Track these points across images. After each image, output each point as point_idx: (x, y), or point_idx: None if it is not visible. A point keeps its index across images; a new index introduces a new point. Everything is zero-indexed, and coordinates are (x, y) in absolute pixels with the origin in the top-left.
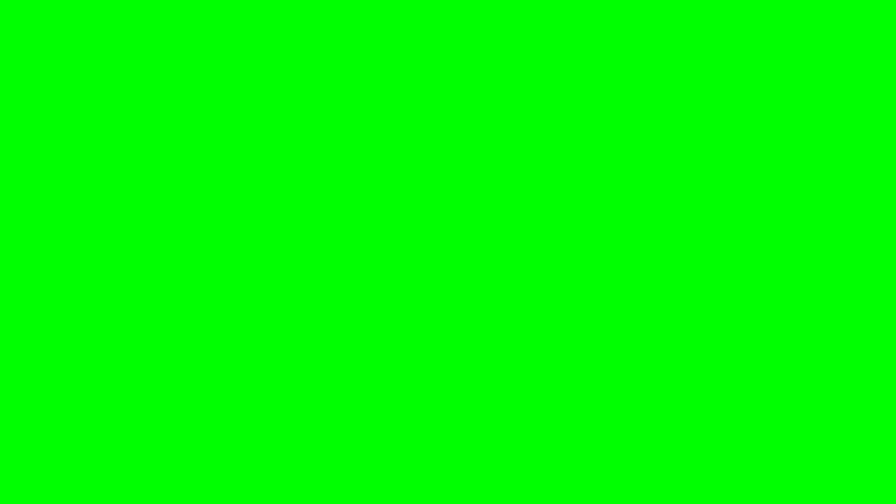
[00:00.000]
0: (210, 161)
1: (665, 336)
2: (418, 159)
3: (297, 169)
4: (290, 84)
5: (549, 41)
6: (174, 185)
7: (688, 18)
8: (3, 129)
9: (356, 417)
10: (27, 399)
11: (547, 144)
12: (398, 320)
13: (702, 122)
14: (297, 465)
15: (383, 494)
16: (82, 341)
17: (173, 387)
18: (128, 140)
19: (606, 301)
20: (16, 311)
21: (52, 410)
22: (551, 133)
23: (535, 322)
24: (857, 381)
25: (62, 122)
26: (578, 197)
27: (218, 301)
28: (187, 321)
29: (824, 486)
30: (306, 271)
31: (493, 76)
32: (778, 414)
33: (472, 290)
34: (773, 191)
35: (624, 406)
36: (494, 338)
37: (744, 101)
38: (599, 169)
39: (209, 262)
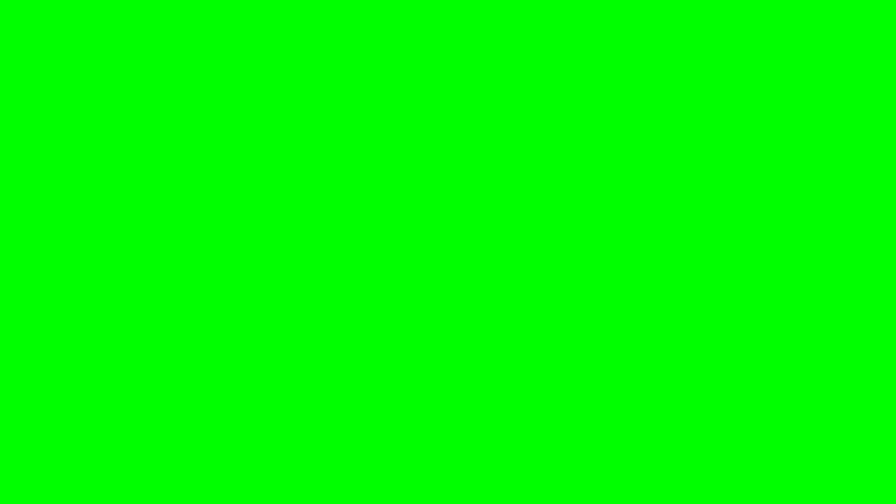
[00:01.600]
0: (210, 161)
1: (665, 336)
2: (418, 159)
3: (297, 169)
4: (291, 84)
5: (549, 41)
6: (174, 185)
7: (688, 18)
8: (3, 130)
9: (356, 417)
10: (27, 399)
11: (546, 144)
12: (398, 320)
13: (702, 122)
14: (297, 465)
15: (383, 494)
16: (82, 341)
17: (173, 386)
18: (128, 140)
19: (606, 301)
20: (16, 311)
21: (52, 410)
22: (551, 133)
23: (534, 322)
24: (857, 381)
25: (62, 122)
26: (578, 197)
27: (218, 301)
28: (187, 321)
29: (824, 485)
30: (306, 271)
31: (493, 76)
32: (778, 414)
33: (471, 290)
34: (772, 191)
35: (624, 406)
36: (493, 337)
37: (744, 101)
38: (599, 169)
39: (209, 261)
